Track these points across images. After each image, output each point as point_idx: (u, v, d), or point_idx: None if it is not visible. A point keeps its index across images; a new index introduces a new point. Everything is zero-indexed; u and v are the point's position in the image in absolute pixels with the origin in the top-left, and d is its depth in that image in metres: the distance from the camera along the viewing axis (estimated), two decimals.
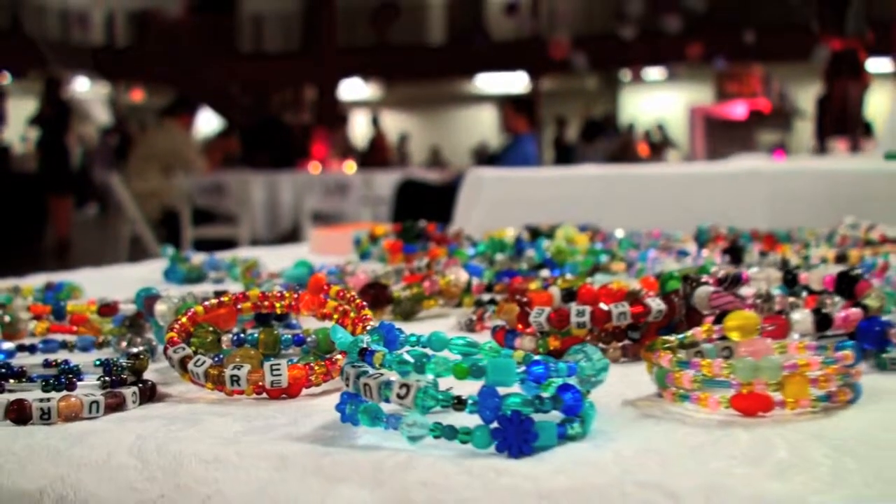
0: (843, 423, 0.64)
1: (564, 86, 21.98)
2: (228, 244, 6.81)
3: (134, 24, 21.72)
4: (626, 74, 22.48)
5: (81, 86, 20.74)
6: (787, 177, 2.31)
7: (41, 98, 10.94)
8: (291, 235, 7.61)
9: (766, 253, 1.46)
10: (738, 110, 19.56)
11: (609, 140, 16.15)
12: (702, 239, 1.76)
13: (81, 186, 13.39)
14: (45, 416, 0.68)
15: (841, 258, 1.51)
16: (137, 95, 22.89)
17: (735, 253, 1.40)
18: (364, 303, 0.83)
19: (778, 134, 18.63)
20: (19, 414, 0.68)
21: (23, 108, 15.16)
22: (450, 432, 0.59)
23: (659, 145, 17.75)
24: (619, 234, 1.80)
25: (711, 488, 0.50)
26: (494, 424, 0.58)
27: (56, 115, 10.36)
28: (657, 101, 22.13)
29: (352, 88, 22.56)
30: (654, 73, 22.12)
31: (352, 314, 0.81)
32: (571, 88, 22.06)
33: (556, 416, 0.61)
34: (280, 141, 10.99)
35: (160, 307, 0.89)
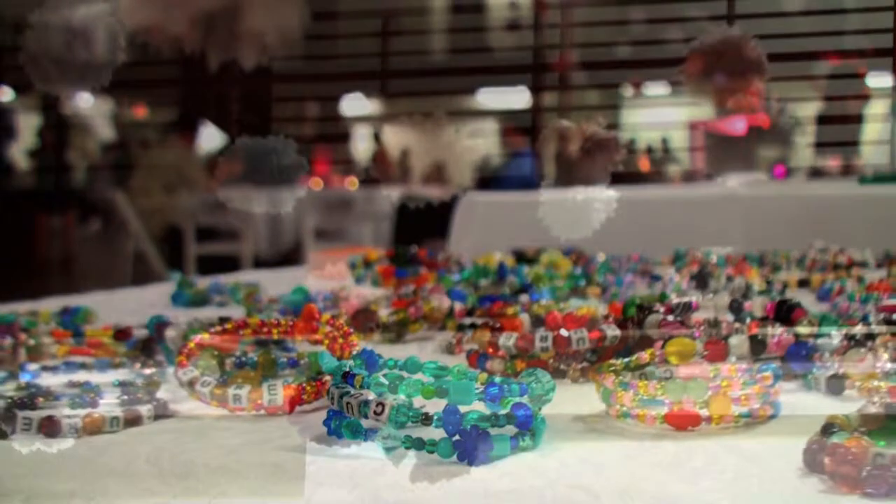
0: (758, 436, 0.75)
1: (566, 101, 22.09)
2: (230, 261, 6.89)
3: (136, 40, 21.87)
4: (626, 89, 22.59)
5: (85, 102, 20.89)
6: (769, 201, 2.42)
7: (42, 115, 11.02)
8: (293, 252, 7.68)
9: (732, 277, 1.56)
10: (737, 125, 19.68)
11: (609, 154, 16.19)
12: (679, 263, 1.86)
13: (83, 202, 13.46)
14: (73, 430, 0.79)
15: (803, 283, 1.62)
16: (140, 111, 23.01)
17: (701, 278, 1.50)
18: (351, 329, 0.94)
19: (778, 149, 18.74)
20: (51, 428, 0.79)
21: (24, 123, 15.26)
22: (418, 444, 0.69)
23: (660, 160, 17.82)
24: (601, 257, 1.90)
25: (626, 489, 0.61)
26: (456, 437, 0.69)
27: (56, 133, 10.44)
28: (658, 115, 22.23)
29: (353, 104, 22.70)
30: (655, 87, 22.22)
31: (339, 340, 0.92)
32: (573, 104, 22.16)
33: (511, 429, 0.71)
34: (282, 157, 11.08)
35: (170, 333, 1.00)
